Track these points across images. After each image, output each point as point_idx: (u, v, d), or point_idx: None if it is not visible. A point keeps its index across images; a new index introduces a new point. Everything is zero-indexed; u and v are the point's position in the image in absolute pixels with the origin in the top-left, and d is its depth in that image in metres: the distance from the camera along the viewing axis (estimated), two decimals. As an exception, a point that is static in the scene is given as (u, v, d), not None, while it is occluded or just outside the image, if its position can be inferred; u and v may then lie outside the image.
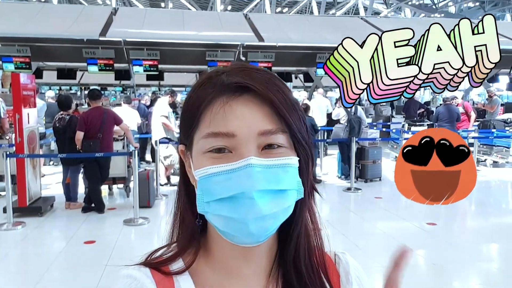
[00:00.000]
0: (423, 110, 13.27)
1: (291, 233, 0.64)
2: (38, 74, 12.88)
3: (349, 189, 7.27)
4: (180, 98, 26.44)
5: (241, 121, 0.57)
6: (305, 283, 0.64)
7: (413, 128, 10.45)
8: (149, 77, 13.55)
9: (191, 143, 0.62)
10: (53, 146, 9.19)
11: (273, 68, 11.33)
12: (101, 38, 8.96)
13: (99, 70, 10.02)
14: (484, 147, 9.86)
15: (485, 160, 9.83)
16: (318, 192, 0.68)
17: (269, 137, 0.58)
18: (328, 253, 0.70)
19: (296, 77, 17.13)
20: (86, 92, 19.99)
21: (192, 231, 0.65)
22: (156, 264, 0.64)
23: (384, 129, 12.50)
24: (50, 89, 16.69)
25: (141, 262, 0.66)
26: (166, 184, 7.55)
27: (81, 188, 6.27)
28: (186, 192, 0.66)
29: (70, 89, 22.40)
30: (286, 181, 0.58)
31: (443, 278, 3.91)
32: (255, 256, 0.64)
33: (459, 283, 3.84)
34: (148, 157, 10.03)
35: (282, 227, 0.62)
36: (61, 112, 6.10)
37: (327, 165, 9.30)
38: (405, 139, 9.38)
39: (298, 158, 0.61)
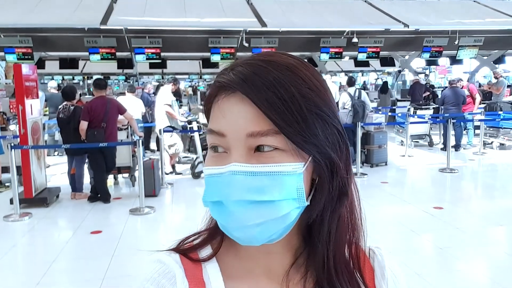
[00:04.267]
0: (428, 93, 13.16)
1: (319, 240, 0.62)
2: (41, 64, 12.87)
3: (355, 174, 7.24)
4: (184, 86, 26.43)
5: (228, 121, 0.55)
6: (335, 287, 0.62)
7: (419, 112, 10.37)
8: (152, 65, 13.51)
9: None
10: (57, 136, 9.21)
11: (276, 54, 11.20)
12: (102, 27, 8.87)
13: (101, 59, 9.97)
14: (491, 129, 9.78)
15: (492, 142, 9.76)
16: (347, 196, 0.61)
17: (258, 138, 0.54)
18: (362, 248, 0.68)
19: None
20: (90, 81, 20.04)
21: None
22: (185, 250, 0.65)
23: (389, 113, 12.43)
24: (52, 79, 16.69)
25: (172, 248, 0.67)
26: (171, 172, 7.56)
27: (87, 179, 6.28)
28: None
29: (73, 78, 22.44)
30: (273, 191, 0.54)
31: (450, 262, 3.90)
32: (277, 249, 0.63)
33: (466, 267, 3.82)
34: (153, 146, 10.03)
35: (310, 225, 0.62)
36: (65, 103, 6.08)
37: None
38: (411, 123, 9.33)
39: (302, 163, 0.56)
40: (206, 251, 0.65)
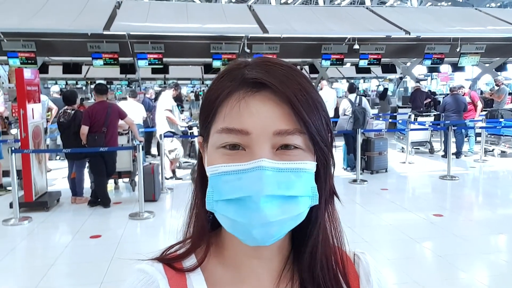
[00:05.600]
0: (429, 100, 13.15)
1: (307, 240, 0.62)
2: (44, 69, 12.94)
3: (355, 181, 7.23)
4: (186, 91, 26.46)
5: (257, 119, 0.55)
6: None
7: (419, 119, 10.37)
8: (154, 71, 13.58)
9: (207, 136, 0.60)
10: (59, 140, 9.23)
11: (278, 60, 11.24)
12: (105, 32, 8.93)
13: (104, 64, 10.03)
14: (492, 137, 9.76)
15: (493, 150, 9.75)
16: (338, 197, 0.65)
17: (285, 137, 0.55)
18: (347, 253, 0.68)
19: (301, 69, 17.05)
20: (93, 86, 20.09)
21: (203, 227, 0.64)
22: (169, 260, 0.64)
23: (390, 120, 12.43)
24: (56, 83, 16.76)
25: (155, 257, 0.66)
26: (171, 178, 7.56)
27: (87, 183, 6.29)
28: (202, 185, 0.64)
29: (76, 83, 22.52)
30: (298, 187, 0.56)
31: (450, 270, 3.88)
32: (268, 254, 0.63)
33: (466, 275, 3.80)
34: (154, 150, 10.04)
35: (296, 228, 0.60)
36: (66, 107, 6.11)
37: (333, 157, 9.25)
38: (411, 130, 9.32)
39: (316, 162, 0.58)
40: (191, 261, 0.64)
